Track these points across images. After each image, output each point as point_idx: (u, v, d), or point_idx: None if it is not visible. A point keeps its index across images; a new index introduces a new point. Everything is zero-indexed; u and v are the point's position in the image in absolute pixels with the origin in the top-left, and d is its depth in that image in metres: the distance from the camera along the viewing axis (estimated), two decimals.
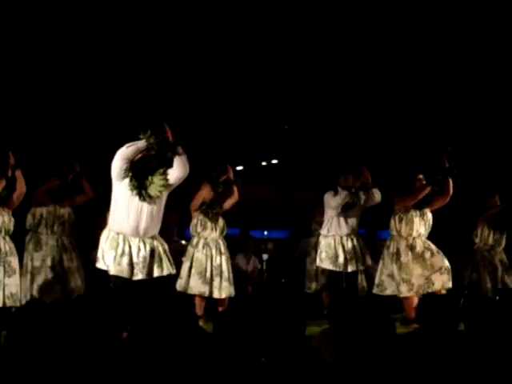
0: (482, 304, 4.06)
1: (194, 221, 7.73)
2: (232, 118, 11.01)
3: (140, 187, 5.84)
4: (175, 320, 3.67)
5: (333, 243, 7.87)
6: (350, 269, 7.83)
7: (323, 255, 7.91)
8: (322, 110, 11.21)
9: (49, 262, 7.31)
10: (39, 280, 7.25)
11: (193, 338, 3.64)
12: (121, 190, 5.90)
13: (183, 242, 10.06)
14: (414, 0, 8.92)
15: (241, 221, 8.13)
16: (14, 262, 6.79)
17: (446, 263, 7.41)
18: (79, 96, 9.88)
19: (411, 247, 7.43)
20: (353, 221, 7.94)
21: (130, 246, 5.89)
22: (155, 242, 6.02)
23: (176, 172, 5.87)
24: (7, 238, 6.79)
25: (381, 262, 7.64)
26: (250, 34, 9.03)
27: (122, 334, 3.51)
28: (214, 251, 7.65)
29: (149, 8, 8.77)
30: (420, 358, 3.60)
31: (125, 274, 5.86)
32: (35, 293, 7.17)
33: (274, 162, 14.46)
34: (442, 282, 7.29)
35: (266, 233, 15.04)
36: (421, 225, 7.47)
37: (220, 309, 7.47)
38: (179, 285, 7.51)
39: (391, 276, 7.49)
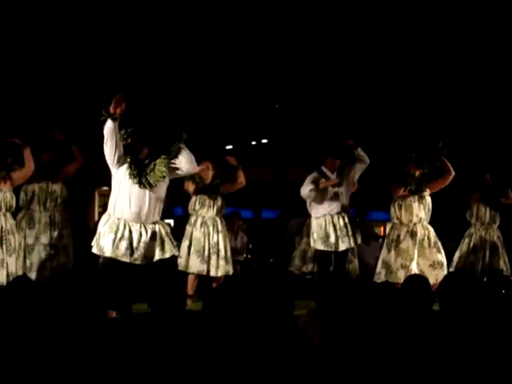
0: (460, 284, 3.98)
1: (193, 199, 7.70)
2: (222, 97, 10.95)
3: (140, 175, 5.88)
4: (164, 299, 3.66)
5: (323, 223, 7.72)
6: (341, 247, 7.67)
7: (315, 236, 7.75)
8: (313, 89, 11.16)
9: (42, 240, 7.18)
10: (32, 258, 7.14)
11: (181, 317, 3.63)
12: (120, 177, 5.92)
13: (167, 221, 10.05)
14: None
15: (231, 200, 8.08)
16: (14, 240, 6.69)
17: (439, 257, 7.43)
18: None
19: (412, 233, 7.45)
20: (340, 199, 7.78)
21: (130, 232, 5.92)
22: (157, 226, 6.04)
23: (187, 165, 6.01)
24: (8, 215, 6.67)
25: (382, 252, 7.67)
26: (239, 12, 8.97)
27: (108, 313, 3.49)
28: (211, 229, 7.61)
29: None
30: (405, 338, 3.61)
31: (121, 257, 5.86)
32: (28, 271, 7.06)
33: (264, 141, 14.40)
34: (436, 276, 7.22)
35: None
36: (420, 209, 7.51)
37: (214, 285, 7.46)
38: (179, 264, 7.50)
39: (387, 263, 7.49)
